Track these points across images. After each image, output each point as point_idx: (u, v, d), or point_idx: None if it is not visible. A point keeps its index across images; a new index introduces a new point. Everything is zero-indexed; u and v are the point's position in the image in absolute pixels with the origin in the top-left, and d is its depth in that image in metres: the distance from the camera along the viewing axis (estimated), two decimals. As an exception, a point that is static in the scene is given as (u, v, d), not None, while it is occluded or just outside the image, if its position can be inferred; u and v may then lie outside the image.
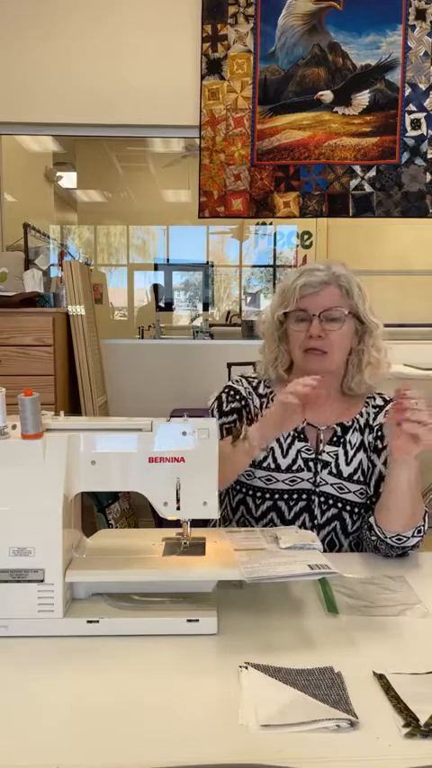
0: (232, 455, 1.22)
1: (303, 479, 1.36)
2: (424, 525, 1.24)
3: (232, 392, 1.44)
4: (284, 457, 1.37)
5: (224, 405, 1.43)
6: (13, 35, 3.15)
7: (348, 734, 0.72)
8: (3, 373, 2.67)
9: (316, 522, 1.36)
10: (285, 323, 1.40)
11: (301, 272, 1.36)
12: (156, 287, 5.92)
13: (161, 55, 3.17)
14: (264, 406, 1.42)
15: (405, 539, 1.22)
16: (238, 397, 1.43)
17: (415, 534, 1.22)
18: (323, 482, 1.36)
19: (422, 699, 0.77)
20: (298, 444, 1.37)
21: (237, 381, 1.48)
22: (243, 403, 1.43)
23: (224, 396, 1.44)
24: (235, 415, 1.41)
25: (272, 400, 1.42)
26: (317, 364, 1.34)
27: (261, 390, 1.45)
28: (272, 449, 1.38)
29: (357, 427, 1.39)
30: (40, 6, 3.15)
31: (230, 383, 1.48)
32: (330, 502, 1.36)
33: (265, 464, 1.37)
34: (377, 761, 0.69)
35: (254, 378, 1.48)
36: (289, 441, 1.38)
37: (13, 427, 0.98)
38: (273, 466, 1.37)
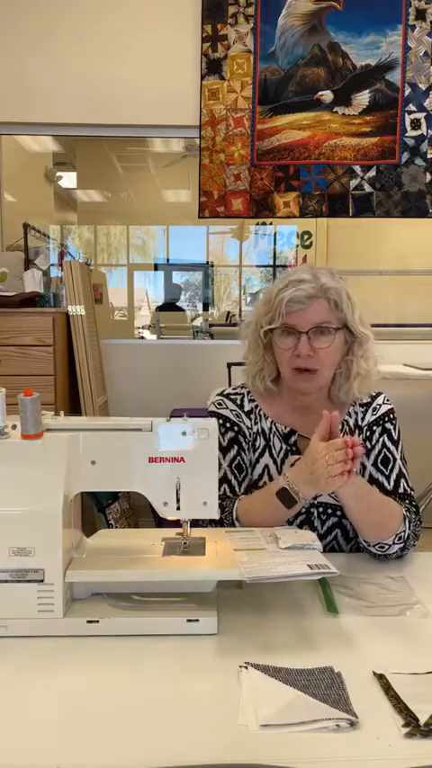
0: (287, 513, 1.20)
1: None
2: (406, 531, 1.22)
3: (221, 420, 1.35)
4: (280, 473, 1.31)
5: (221, 439, 1.34)
6: (13, 35, 3.15)
7: (348, 734, 0.72)
8: (3, 373, 2.67)
9: (317, 533, 1.32)
10: (270, 335, 1.33)
11: (287, 283, 1.28)
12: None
13: (161, 55, 3.17)
14: (254, 422, 1.37)
15: (387, 546, 1.22)
16: (228, 424, 1.36)
17: (396, 541, 1.21)
18: (320, 492, 1.33)
19: (422, 699, 0.77)
20: (292, 458, 1.32)
21: (220, 405, 1.39)
22: (236, 429, 1.36)
23: None
24: (236, 446, 1.35)
25: (259, 414, 1.37)
26: (307, 385, 1.30)
27: (247, 407, 1.38)
28: (266, 466, 1.35)
29: (347, 430, 1.36)
30: (40, 6, 3.15)
31: (214, 408, 1.39)
32: (329, 511, 1.33)
33: (261, 483, 1.34)
34: (377, 761, 0.69)
35: (235, 394, 1.41)
36: (282, 455, 1.35)
37: (13, 427, 0.98)
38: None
